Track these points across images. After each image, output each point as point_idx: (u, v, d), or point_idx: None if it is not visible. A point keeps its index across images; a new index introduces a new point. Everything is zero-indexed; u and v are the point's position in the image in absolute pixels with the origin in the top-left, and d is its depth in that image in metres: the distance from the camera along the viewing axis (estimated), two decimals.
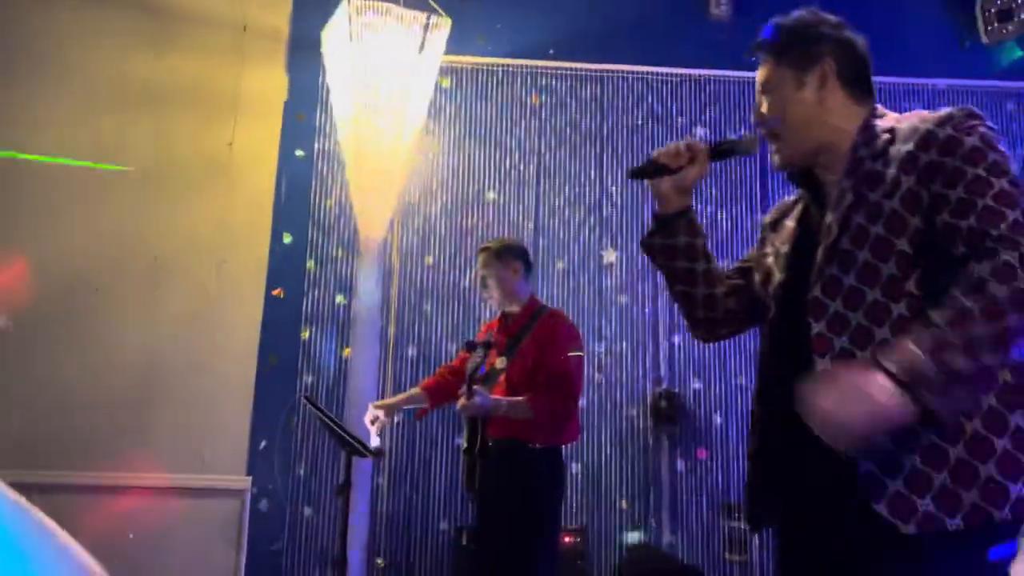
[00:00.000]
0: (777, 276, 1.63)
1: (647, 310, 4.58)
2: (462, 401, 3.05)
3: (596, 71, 4.82)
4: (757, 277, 1.71)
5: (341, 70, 4.20)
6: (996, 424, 1.32)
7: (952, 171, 1.38)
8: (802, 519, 1.49)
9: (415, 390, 3.48)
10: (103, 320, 4.20)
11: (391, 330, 4.44)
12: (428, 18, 4.09)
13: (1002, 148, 1.40)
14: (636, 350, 4.55)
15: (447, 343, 4.46)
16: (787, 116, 1.60)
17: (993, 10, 4.74)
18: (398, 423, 4.35)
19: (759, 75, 1.66)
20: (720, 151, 1.68)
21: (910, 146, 1.44)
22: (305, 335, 4.36)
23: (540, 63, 4.78)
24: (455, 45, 4.35)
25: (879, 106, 1.61)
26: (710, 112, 4.84)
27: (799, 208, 1.69)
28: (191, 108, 4.50)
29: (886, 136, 1.51)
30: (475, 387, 3.04)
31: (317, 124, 4.57)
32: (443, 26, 4.16)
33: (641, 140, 4.77)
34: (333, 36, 4.21)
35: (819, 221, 1.55)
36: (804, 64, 1.59)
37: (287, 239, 4.45)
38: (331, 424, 3.04)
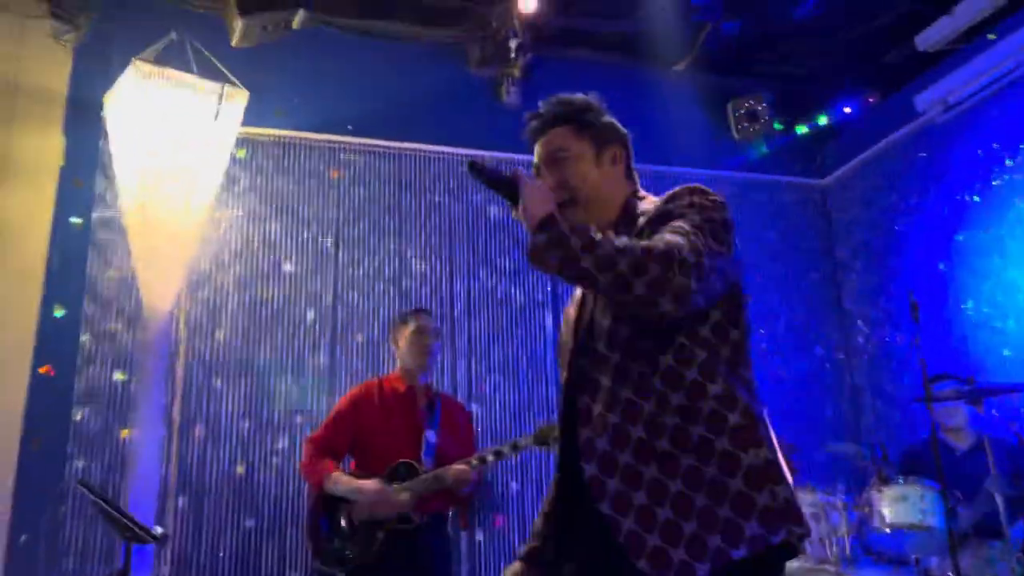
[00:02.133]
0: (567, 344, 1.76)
1: (446, 379, 4.66)
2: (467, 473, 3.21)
3: (394, 149, 4.95)
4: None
5: (126, 135, 4.02)
6: (729, 465, 1.46)
7: (665, 212, 1.60)
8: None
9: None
10: None
11: (176, 408, 4.19)
12: (223, 88, 4.04)
13: (716, 202, 1.60)
14: None
15: (239, 420, 4.27)
16: (588, 185, 1.74)
17: (742, 111, 5.43)
18: (182, 507, 4.07)
19: (552, 142, 1.78)
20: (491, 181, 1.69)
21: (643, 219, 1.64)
22: (77, 416, 4.01)
23: (338, 138, 4.84)
24: (252, 117, 4.31)
25: (640, 189, 1.82)
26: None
27: None
28: None
29: (640, 215, 1.69)
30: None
31: (96, 190, 4.31)
32: (239, 97, 4.12)
33: (439, 216, 4.93)
34: (118, 100, 4.04)
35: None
36: (603, 142, 1.77)
37: (59, 312, 4.11)
38: (109, 509, 2.82)
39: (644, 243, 1.48)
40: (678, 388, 1.51)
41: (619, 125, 1.82)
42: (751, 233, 5.44)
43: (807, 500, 3.51)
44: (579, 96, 1.81)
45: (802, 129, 5.57)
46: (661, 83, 5.31)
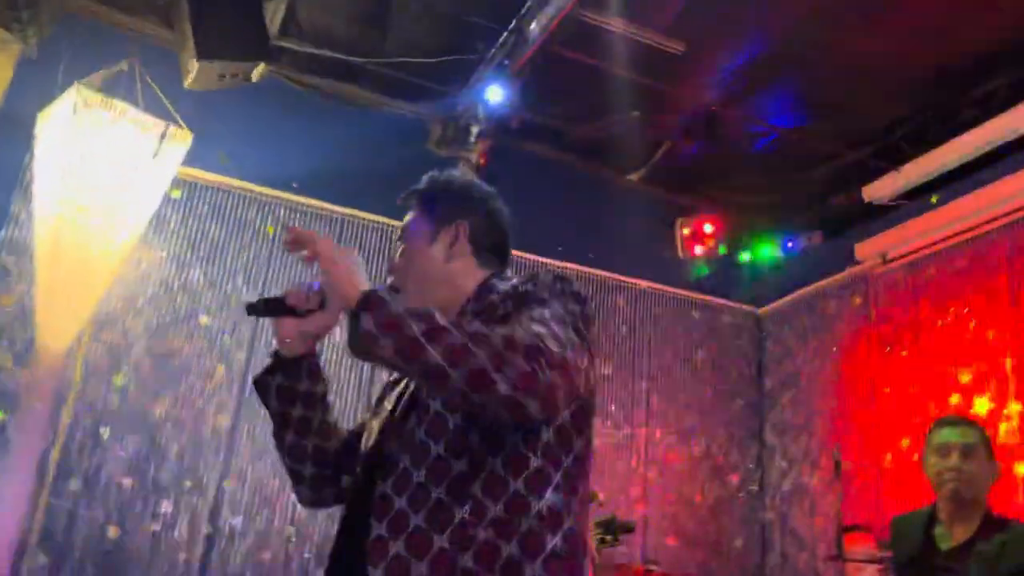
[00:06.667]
0: (371, 439, 1.54)
1: None
2: None
3: (336, 213, 4.80)
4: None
5: (53, 158, 3.78)
6: None
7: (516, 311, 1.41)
8: None
9: None
10: None
11: (54, 456, 3.83)
12: (167, 127, 3.85)
13: (578, 294, 1.43)
14: None
15: (122, 479, 3.93)
16: (413, 268, 1.59)
17: (688, 230, 5.48)
18: (41, 566, 3.68)
19: (404, 222, 1.65)
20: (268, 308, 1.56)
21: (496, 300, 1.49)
22: None
23: (282, 194, 4.67)
24: (195, 159, 4.12)
25: (509, 272, 1.64)
26: None
27: None
28: None
29: (493, 297, 1.51)
30: None
31: (11, 209, 4.02)
32: (183, 138, 3.94)
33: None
34: (51, 120, 3.81)
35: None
36: (442, 221, 1.59)
37: None
38: None
39: (504, 331, 1.27)
40: (499, 498, 1.33)
41: (477, 202, 1.62)
42: (684, 351, 5.44)
43: None
44: (443, 174, 1.66)
45: (744, 257, 5.64)
46: (614, 190, 5.32)
